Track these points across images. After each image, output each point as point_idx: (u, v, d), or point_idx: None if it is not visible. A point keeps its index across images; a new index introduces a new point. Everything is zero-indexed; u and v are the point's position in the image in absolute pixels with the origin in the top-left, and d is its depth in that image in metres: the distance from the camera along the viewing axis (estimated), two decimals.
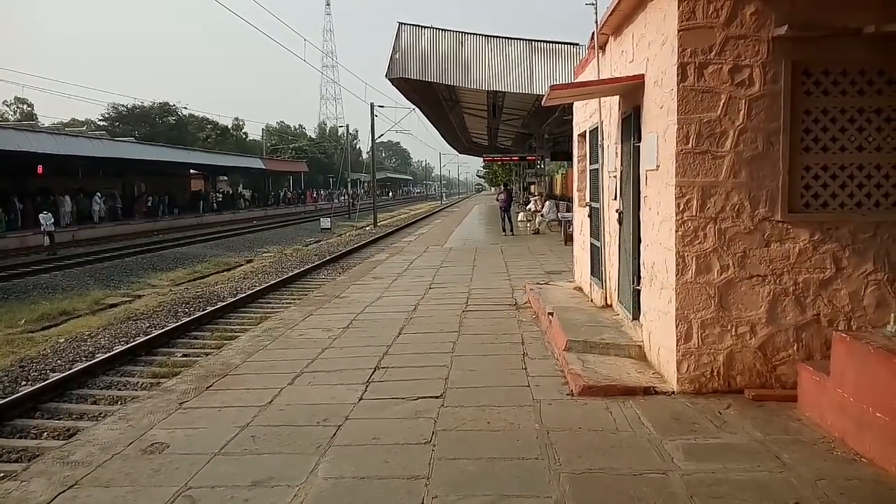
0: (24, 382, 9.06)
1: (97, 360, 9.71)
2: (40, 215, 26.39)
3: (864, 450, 4.30)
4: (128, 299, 16.37)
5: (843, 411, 4.56)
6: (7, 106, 73.10)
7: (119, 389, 8.78)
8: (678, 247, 5.50)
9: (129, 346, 10.46)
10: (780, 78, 5.35)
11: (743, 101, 5.37)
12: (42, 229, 25.95)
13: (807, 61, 5.39)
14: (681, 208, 5.47)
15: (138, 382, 8.99)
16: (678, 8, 5.35)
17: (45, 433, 7.32)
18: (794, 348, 5.48)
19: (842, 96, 5.42)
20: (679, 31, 5.37)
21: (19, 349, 11.06)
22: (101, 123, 67.89)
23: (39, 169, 33.69)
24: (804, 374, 5.18)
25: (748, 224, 5.45)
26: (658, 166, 5.92)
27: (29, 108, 72.58)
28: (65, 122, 68.70)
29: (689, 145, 5.42)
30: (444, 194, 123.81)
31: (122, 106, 70.15)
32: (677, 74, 5.39)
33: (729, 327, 5.50)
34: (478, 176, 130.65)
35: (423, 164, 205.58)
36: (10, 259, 24.39)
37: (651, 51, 6.14)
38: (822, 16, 5.25)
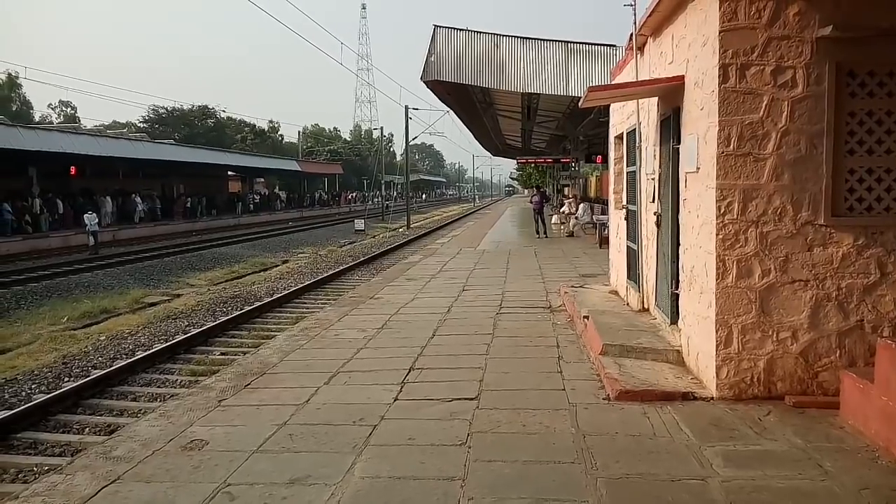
0: (66, 379, 9.28)
1: (137, 357, 9.90)
2: (85, 215, 26.95)
3: None
4: (167, 298, 16.66)
5: (887, 419, 4.46)
6: (52, 109, 75.07)
7: (159, 387, 8.94)
8: (718, 250, 5.43)
9: (168, 344, 10.65)
10: (824, 79, 5.25)
11: (786, 103, 5.28)
12: (87, 229, 26.52)
13: (851, 62, 5.28)
14: (721, 211, 5.40)
15: (178, 380, 9.15)
16: (720, 9, 5.29)
17: (88, 429, 7.49)
18: (837, 355, 5.37)
19: (888, 98, 5.29)
20: (720, 32, 5.31)
21: (62, 346, 11.32)
22: (142, 126, 69.34)
23: (79, 170, 34.47)
24: (847, 381, 5.07)
25: (790, 228, 5.35)
26: (698, 168, 5.85)
27: (72, 111, 74.40)
28: (106, 124, 70.16)
29: (731, 147, 5.35)
30: (476, 196, 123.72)
31: (163, 108, 71.67)
32: (718, 76, 5.33)
33: (770, 333, 5.40)
34: (511, 178, 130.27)
35: (457, 166, 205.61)
36: (54, 258, 24.99)
37: (691, 52, 6.08)
38: (867, 16, 5.14)
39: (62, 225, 32.06)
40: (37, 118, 67.27)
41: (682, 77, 6.33)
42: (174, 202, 44.70)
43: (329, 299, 14.66)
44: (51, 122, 65.31)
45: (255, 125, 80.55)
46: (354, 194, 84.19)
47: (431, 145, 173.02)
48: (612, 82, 10.72)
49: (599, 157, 28.69)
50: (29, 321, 13.72)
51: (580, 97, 7.86)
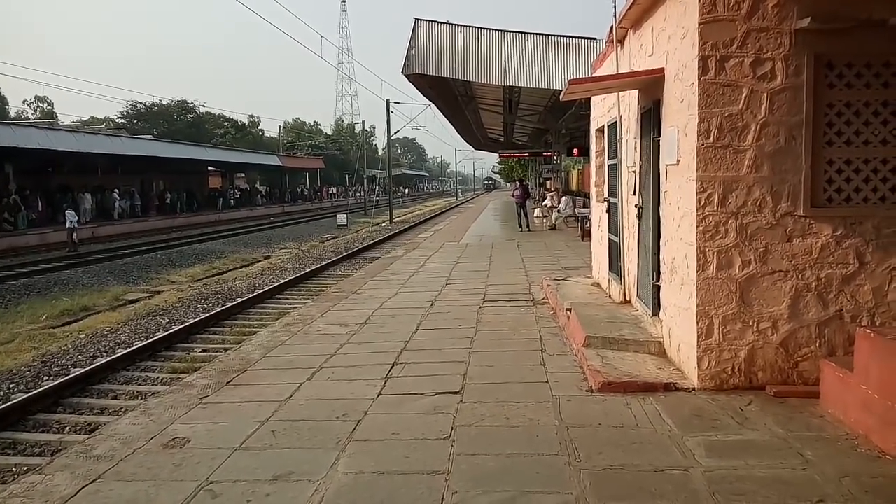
0: (45, 377, 9.17)
1: (117, 355, 9.80)
2: (66, 212, 26.66)
3: (888, 447, 4.25)
4: (147, 295, 16.51)
5: (866, 408, 4.51)
6: (28, 105, 74.00)
7: (139, 385, 8.86)
8: (699, 242, 5.45)
9: (148, 341, 10.55)
10: (803, 71, 5.28)
11: (765, 95, 5.31)
12: (67, 226, 26.20)
13: (830, 54, 5.31)
14: (702, 203, 5.42)
15: (158, 378, 9.06)
16: (699, 1, 5.30)
17: (68, 427, 7.40)
18: (817, 344, 5.42)
19: (866, 89, 5.33)
20: (700, 24, 5.32)
21: (41, 344, 11.19)
22: (120, 121, 68.52)
23: (57, 167, 34.05)
24: (827, 371, 5.12)
25: (770, 219, 5.39)
26: (678, 161, 5.87)
27: (49, 107, 73.38)
28: (84, 119, 69.34)
29: (711, 139, 5.37)
30: (459, 190, 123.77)
31: (141, 104, 70.83)
32: (698, 68, 5.34)
33: (750, 323, 5.45)
34: (493, 172, 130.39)
35: (439, 160, 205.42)
36: (32, 255, 24.68)
37: (671, 44, 6.09)
38: (845, 7, 5.17)
39: (40, 222, 31.65)
40: (12, 114, 66.29)
41: (663, 69, 6.34)
42: (151, 198, 44.13)
43: (311, 295, 14.60)
44: (27, 118, 64.39)
45: (235, 120, 79.96)
46: (336, 189, 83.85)
47: (414, 139, 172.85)
48: (593, 75, 10.74)
49: (576, 150, 28.89)
50: (7, 320, 13.53)
51: (561, 90, 7.86)
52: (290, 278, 17.17)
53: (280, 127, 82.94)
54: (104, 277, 19.15)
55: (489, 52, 17.31)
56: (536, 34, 17.03)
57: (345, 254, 22.90)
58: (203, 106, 77.26)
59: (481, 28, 17.41)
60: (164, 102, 72.61)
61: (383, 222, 40.81)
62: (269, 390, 5.98)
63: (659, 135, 6.62)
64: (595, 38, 16.32)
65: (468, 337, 7.76)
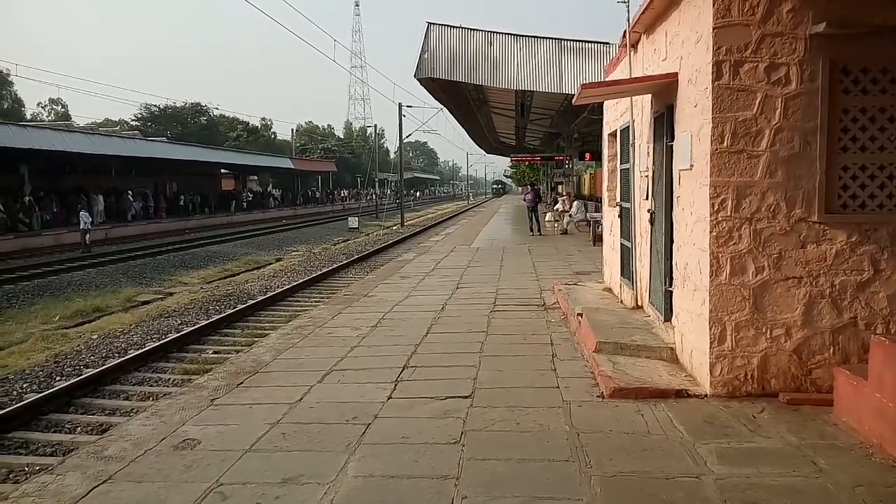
0: (58, 378, 9.22)
1: (130, 356, 9.84)
2: (80, 213, 26.87)
3: None
4: (160, 297, 16.60)
5: (881, 416, 4.46)
6: (42, 107, 74.65)
7: (151, 386, 8.89)
8: (712, 248, 5.42)
9: (160, 342, 10.59)
10: (818, 76, 5.25)
11: (779, 100, 5.28)
12: (81, 227, 26.40)
13: (845, 59, 5.28)
14: (715, 208, 5.39)
15: (170, 379, 9.10)
16: (713, 5, 5.28)
17: (79, 428, 7.44)
18: (830, 352, 5.38)
19: (881, 94, 5.30)
20: (714, 29, 5.30)
21: (54, 345, 11.26)
22: (134, 123, 69.04)
23: (71, 168, 34.31)
24: (840, 378, 5.08)
25: (784, 225, 5.35)
26: (692, 166, 5.84)
27: (63, 109, 74.02)
28: (98, 122, 69.88)
29: (724, 144, 5.34)
30: (470, 194, 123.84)
31: (155, 106, 71.38)
32: (712, 72, 5.32)
33: (764, 330, 5.40)
34: (505, 176, 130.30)
35: (451, 163, 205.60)
36: (46, 256, 24.87)
37: (685, 49, 6.07)
38: (860, 12, 5.14)
39: (55, 223, 31.91)
40: (28, 116, 66.90)
41: (676, 74, 6.32)
42: (164, 200, 44.36)
43: (323, 297, 14.63)
44: (42, 121, 64.96)
45: (248, 123, 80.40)
46: (348, 192, 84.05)
47: (425, 143, 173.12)
48: (606, 79, 10.71)
49: (588, 154, 28.88)
50: (21, 320, 13.65)
51: (574, 94, 7.84)
52: (301, 281, 17.22)
53: (293, 130, 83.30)
54: (117, 279, 19.28)
55: (502, 56, 17.31)
56: (548, 38, 17.02)
57: (356, 256, 22.93)
58: (216, 109, 77.74)
59: (494, 32, 17.42)
60: (178, 105, 73.17)
61: (394, 226, 40.83)
62: (280, 392, 5.99)
63: (672, 139, 6.59)
64: (608, 43, 16.28)
65: (479, 341, 7.75)
